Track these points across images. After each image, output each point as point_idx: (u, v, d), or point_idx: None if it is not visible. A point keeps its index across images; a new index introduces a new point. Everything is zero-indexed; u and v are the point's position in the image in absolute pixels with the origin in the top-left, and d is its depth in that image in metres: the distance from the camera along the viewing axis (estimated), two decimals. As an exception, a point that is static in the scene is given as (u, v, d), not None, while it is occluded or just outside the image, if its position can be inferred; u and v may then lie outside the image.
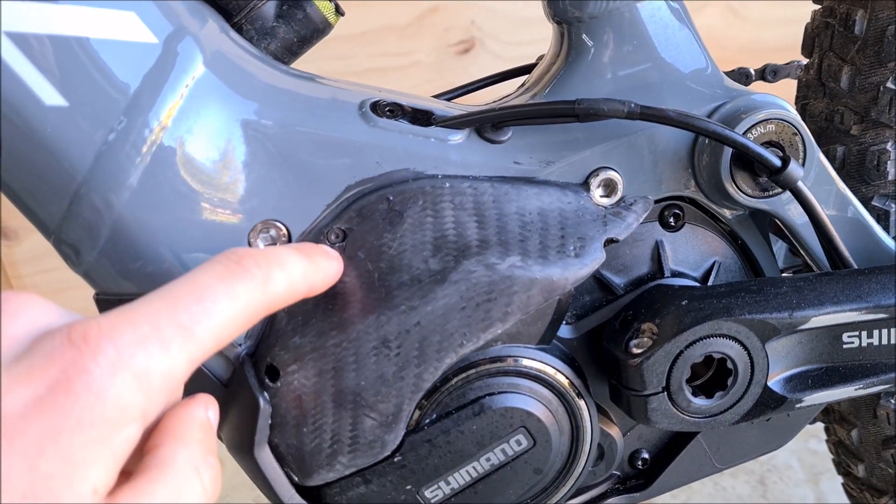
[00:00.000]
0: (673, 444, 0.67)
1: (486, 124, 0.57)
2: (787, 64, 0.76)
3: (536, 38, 1.43)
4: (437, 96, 0.68)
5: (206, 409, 0.43)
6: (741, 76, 0.75)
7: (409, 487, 0.56)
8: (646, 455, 0.67)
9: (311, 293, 0.48)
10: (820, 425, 0.88)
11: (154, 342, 0.37)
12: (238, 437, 0.55)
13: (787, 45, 0.73)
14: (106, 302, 0.53)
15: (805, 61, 0.72)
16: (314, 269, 0.48)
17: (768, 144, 0.57)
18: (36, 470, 0.33)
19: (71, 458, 0.34)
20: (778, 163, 0.55)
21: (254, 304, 0.42)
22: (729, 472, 1.45)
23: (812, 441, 1.49)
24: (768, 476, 1.45)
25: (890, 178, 0.64)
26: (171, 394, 0.39)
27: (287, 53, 0.59)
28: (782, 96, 0.60)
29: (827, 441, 0.84)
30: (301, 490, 0.57)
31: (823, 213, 0.57)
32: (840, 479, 0.89)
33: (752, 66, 0.75)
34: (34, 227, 1.60)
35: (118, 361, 0.36)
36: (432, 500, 0.57)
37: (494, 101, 0.63)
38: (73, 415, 0.34)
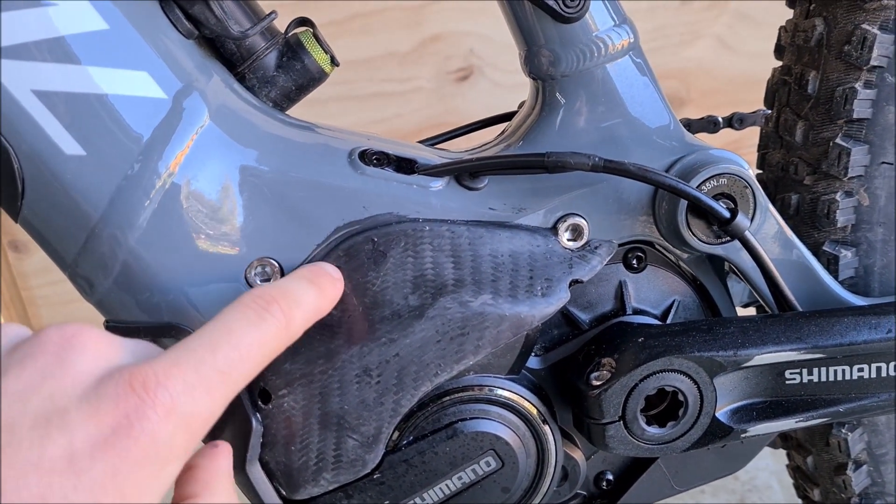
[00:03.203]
0: (635, 467, 0.70)
1: (465, 173, 0.61)
2: (753, 112, 0.81)
3: (532, 67, 1.47)
4: (423, 141, 0.73)
5: (230, 458, 0.49)
6: (709, 123, 0.80)
7: (387, 503, 0.61)
8: (610, 476, 0.71)
9: (321, 316, 0.54)
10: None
11: (200, 389, 0.42)
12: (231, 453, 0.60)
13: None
14: (115, 329, 0.58)
15: (769, 111, 0.77)
16: (324, 299, 0.54)
17: (721, 196, 0.62)
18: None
19: (127, 493, 0.39)
20: (727, 214, 0.60)
21: (278, 344, 0.48)
22: (710, 492, 1.49)
23: (792, 462, 1.53)
24: (749, 496, 1.48)
25: (839, 225, 0.69)
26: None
27: (285, 100, 0.64)
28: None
29: (787, 466, 0.89)
30: (288, 503, 0.61)
31: (769, 261, 0.62)
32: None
33: (740, 96, 0.79)
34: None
35: (172, 408, 0.40)
36: (408, 515, 0.61)
37: (474, 149, 0.68)
38: (132, 455, 0.39)
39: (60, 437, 0.38)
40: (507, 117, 0.75)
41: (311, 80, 0.63)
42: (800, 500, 1.44)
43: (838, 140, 0.67)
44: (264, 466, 0.60)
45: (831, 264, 0.70)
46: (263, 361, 0.47)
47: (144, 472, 0.40)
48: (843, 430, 0.75)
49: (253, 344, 0.46)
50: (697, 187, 0.61)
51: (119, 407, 0.39)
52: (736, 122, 0.80)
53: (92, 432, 0.39)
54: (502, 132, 0.70)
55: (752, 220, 0.63)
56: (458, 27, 1.52)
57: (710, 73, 1.58)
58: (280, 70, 0.62)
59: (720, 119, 0.79)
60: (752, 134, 0.81)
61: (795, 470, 0.85)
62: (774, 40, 0.76)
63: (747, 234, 0.60)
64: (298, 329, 0.50)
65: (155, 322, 0.57)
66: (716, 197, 0.62)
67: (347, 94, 1.54)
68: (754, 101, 0.82)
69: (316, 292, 0.53)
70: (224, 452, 0.49)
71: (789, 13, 0.74)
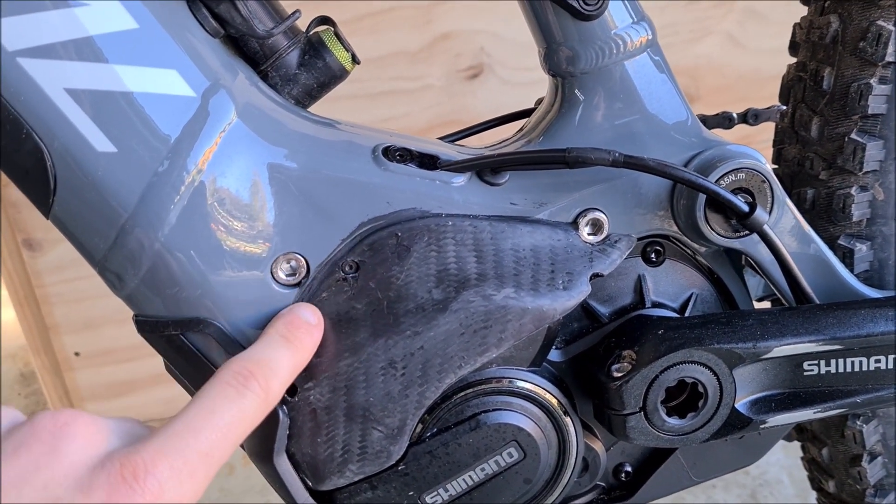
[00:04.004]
0: (653, 459, 0.72)
1: (486, 169, 0.62)
2: (767, 108, 0.82)
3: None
4: (443, 137, 0.74)
5: None
6: (724, 119, 0.80)
7: (411, 493, 0.61)
8: (628, 468, 0.72)
9: (300, 371, 0.57)
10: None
11: (185, 473, 0.45)
12: (259, 445, 0.60)
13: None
14: (144, 322, 0.59)
15: (784, 107, 0.77)
16: (301, 354, 0.56)
17: (739, 190, 0.63)
18: None
19: None
20: (745, 208, 0.61)
21: (259, 416, 0.51)
22: (721, 486, 1.50)
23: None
24: (759, 490, 1.49)
25: (854, 219, 0.70)
26: None
27: (307, 98, 0.64)
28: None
29: (802, 458, 0.90)
30: (314, 494, 0.62)
31: (787, 254, 0.63)
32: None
33: (751, 94, 0.80)
34: (57, 239, 1.69)
35: (160, 495, 0.43)
36: (432, 506, 0.62)
37: (494, 144, 0.69)
38: None
39: None
40: (525, 114, 0.76)
41: (333, 77, 0.64)
42: (811, 495, 1.45)
43: (853, 135, 0.68)
44: (291, 458, 0.61)
45: (846, 258, 0.70)
46: (244, 435, 0.50)
47: None
48: (859, 422, 0.76)
49: (233, 422, 0.49)
50: (716, 182, 0.62)
51: (111, 497, 0.42)
52: (751, 117, 0.80)
53: None
54: (521, 129, 0.71)
55: (769, 213, 0.64)
56: (468, 25, 1.53)
57: (719, 70, 1.58)
58: (302, 68, 0.63)
59: (735, 115, 0.80)
60: (762, 130, 0.81)
61: (810, 462, 0.86)
62: (783, 37, 0.77)
63: (766, 227, 0.61)
64: (277, 397, 0.53)
65: (183, 316, 0.58)
66: (734, 191, 0.63)
67: (358, 92, 1.55)
68: (764, 98, 0.82)
69: (292, 352, 0.55)
70: None
71: (798, 8, 0.75)
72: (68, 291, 1.63)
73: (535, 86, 0.76)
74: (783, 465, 1.54)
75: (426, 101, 1.58)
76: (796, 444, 1.56)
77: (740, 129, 0.86)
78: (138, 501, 0.42)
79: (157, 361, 1.89)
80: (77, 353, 1.69)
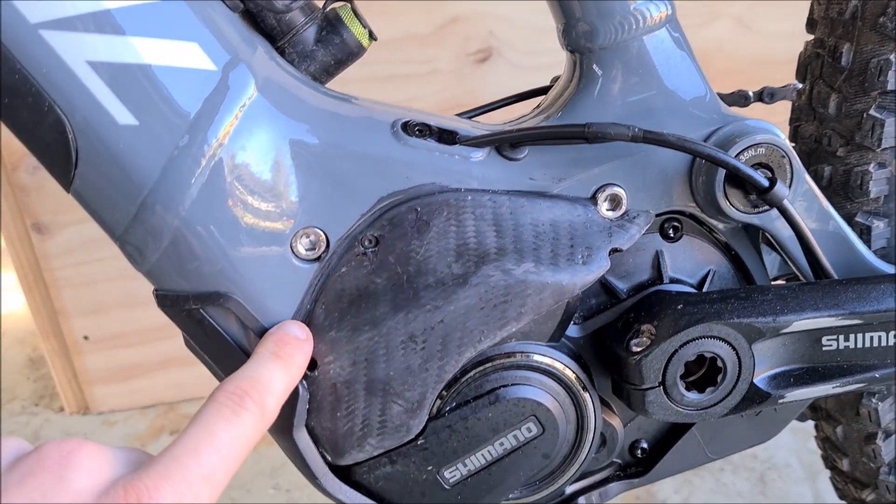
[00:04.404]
0: (670, 435, 0.72)
1: (505, 144, 0.62)
2: (783, 87, 0.81)
3: (551, 48, 1.47)
4: (460, 114, 0.74)
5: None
6: (740, 98, 0.80)
7: (430, 468, 0.62)
8: (645, 445, 0.73)
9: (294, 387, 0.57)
10: (816, 425, 0.94)
11: (188, 497, 0.46)
12: (278, 420, 0.59)
13: (795, 58, 0.78)
14: (164, 296, 0.59)
15: (800, 85, 0.77)
16: (294, 370, 0.57)
17: (759, 166, 0.63)
18: None
19: None
20: (766, 183, 0.61)
21: (257, 433, 0.52)
22: (730, 469, 1.50)
23: (811, 441, 1.53)
24: (768, 474, 1.49)
25: (872, 196, 0.70)
26: None
27: (324, 74, 0.64)
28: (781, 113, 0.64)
29: (815, 437, 0.90)
30: (333, 469, 0.62)
31: (807, 229, 0.63)
32: (836, 476, 0.94)
33: (762, 78, 0.80)
34: (65, 223, 1.70)
35: None
36: (451, 480, 0.62)
37: (512, 121, 0.69)
38: None
39: None
40: (541, 91, 0.75)
41: (350, 54, 0.64)
42: (820, 479, 1.46)
43: (872, 111, 0.68)
44: (310, 432, 0.61)
45: (863, 235, 0.71)
46: (245, 453, 0.50)
47: None
48: (874, 400, 0.76)
49: (233, 442, 0.49)
50: (735, 157, 0.62)
51: None
52: (766, 96, 0.80)
53: None
54: (538, 106, 0.71)
55: (789, 188, 0.64)
56: (478, 9, 1.52)
57: (729, 53, 1.58)
58: (319, 44, 0.63)
59: (751, 93, 0.80)
60: (775, 109, 0.81)
61: (824, 441, 0.86)
62: (794, 20, 0.77)
63: (786, 202, 0.61)
64: (273, 414, 0.54)
65: (203, 290, 0.58)
66: (753, 167, 0.62)
67: (367, 75, 1.54)
68: (774, 82, 0.82)
69: (284, 369, 0.56)
70: None
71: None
72: (77, 275, 1.63)
73: (544, 70, 0.76)
74: (792, 448, 1.54)
75: (435, 86, 1.58)
76: (805, 429, 1.57)
77: (752, 111, 0.86)
78: None
79: (166, 345, 1.91)
80: (86, 337, 1.70)
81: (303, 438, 0.61)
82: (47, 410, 1.80)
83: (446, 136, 0.62)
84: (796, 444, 1.55)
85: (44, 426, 1.74)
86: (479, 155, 0.62)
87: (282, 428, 0.60)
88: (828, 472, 0.93)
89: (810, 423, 0.93)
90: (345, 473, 0.63)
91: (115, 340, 1.70)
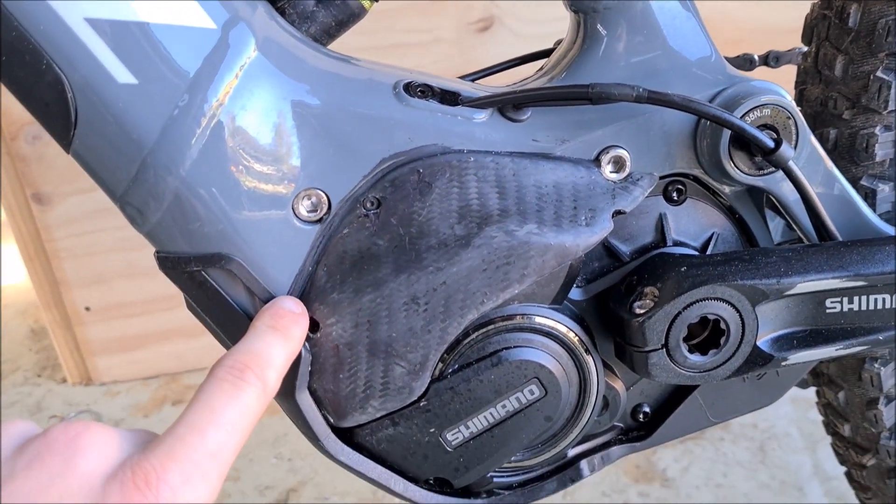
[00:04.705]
0: (671, 399, 0.72)
1: (508, 105, 0.62)
2: (788, 51, 0.81)
3: (552, 16, 1.47)
4: (462, 77, 0.74)
5: None
6: (745, 61, 0.79)
7: (432, 430, 0.62)
8: (647, 409, 0.73)
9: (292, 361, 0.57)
10: (816, 393, 0.94)
11: (197, 476, 0.46)
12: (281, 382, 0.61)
13: (799, 26, 0.77)
14: (165, 259, 0.59)
15: (806, 48, 0.77)
16: (292, 344, 0.56)
17: (764, 127, 0.62)
18: None
19: None
20: (771, 144, 0.60)
21: (260, 407, 0.51)
22: (730, 439, 1.51)
23: (811, 411, 1.54)
24: (768, 443, 1.50)
25: (877, 159, 0.69)
26: None
27: (325, 36, 0.64)
28: (785, 80, 0.64)
29: (817, 403, 0.90)
30: (336, 430, 0.62)
31: (812, 191, 0.62)
32: (837, 445, 0.95)
33: (766, 46, 0.80)
34: (66, 193, 1.69)
35: (173, 499, 0.44)
36: (453, 442, 0.62)
37: (515, 83, 0.68)
38: None
39: None
40: (544, 54, 0.75)
41: (351, 15, 0.63)
42: (819, 448, 1.46)
43: (879, 73, 0.67)
44: (312, 394, 0.61)
45: (868, 198, 0.70)
46: (250, 428, 0.50)
47: None
48: (876, 365, 0.76)
49: (236, 417, 0.49)
50: (740, 118, 0.61)
51: None
52: (772, 60, 0.79)
53: None
54: (541, 67, 0.70)
55: (795, 149, 0.63)
56: (479, -23, 1.52)
57: (733, 22, 1.57)
58: (320, 5, 0.62)
59: (756, 56, 0.79)
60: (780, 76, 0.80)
61: (826, 406, 0.86)
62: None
63: (791, 163, 0.61)
64: (275, 387, 0.53)
65: (205, 252, 0.58)
66: (758, 128, 0.62)
67: (368, 44, 1.53)
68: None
69: (283, 341, 0.55)
70: None
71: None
72: (78, 246, 1.63)
73: (545, 38, 0.76)
74: (792, 418, 1.55)
75: (436, 54, 1.57)
76: (805, 399, 1.58)
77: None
78: None
79: (167, 316, 1.91)
80: (88, 308, 1.70)
81: (305, 400, 0.61)
82: (50, 381, 1.80)
83: (448, 98, 0.62)
84: (796, 413, 1.55)
85: (46, 397, 1.75)
86: (481, 116, 0.62)
87: (284, 390, 0.60)
88: (827, 442, 0.93)
89: (810, 393, 0.94)
90: (347, 435, 0.63)
91: (117, 311, 1.71)
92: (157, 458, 0.45)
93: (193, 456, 0.46)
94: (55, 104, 0.53)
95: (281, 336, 0.55)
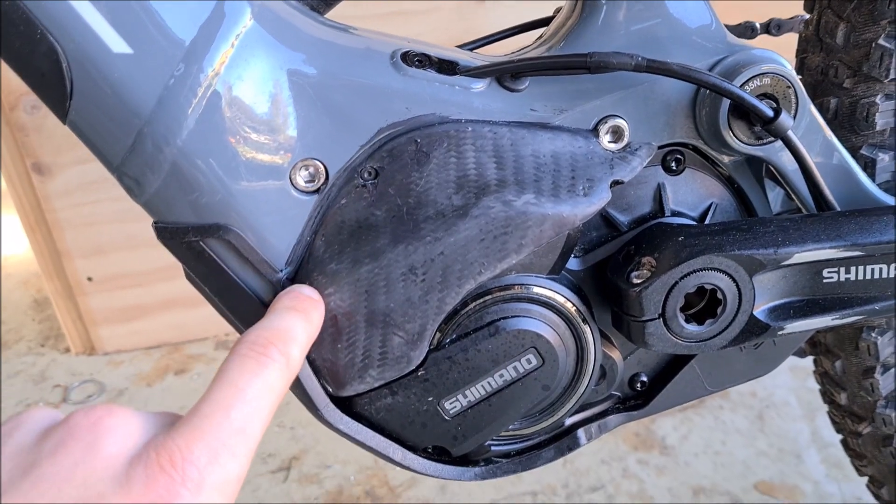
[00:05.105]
0: (669, 369, 0.72)
1: (506, 74, 0.61)
2: (790, 18, 0.80)
3: (554, -16, 1.45)
4: (461, 46, 0.73)
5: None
6: (747, 29, 0.79)
7: (430, 399, 0.62)
8: (644, 378, 0.73)
9: (312, 341, 0.57)
10: (813, 362, 0.94)
11: (224, 454, 0.45)
12: None
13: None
14: (163, 229, 0.58)
15: (807, 16, 0.76)
16: (312, 325, 0.56)
17: (763, 96, 0.62)
18: None
19: None
20: (770, 113, 0.60)
21: (284, 385, 0.51)
22: (728, 407, 1.52)
23: (809, 379, 1.55)
24: (766, 412, 1.51)
25: (878, 128, 0.69)
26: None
27: (322, 4, 0.63)
28: (786, 49, 0.64)
29: (814, 372, 0.90)
30: (334, 400, 0.62)
31: (811, 161, 0.62)
32: (833, 414, 0.95)
33: (770, 15, 0.79)
34: (65, 163, 1.69)
35: (201, 482, 0.43)
36: (451, 411, 0.63)
37: (513, 52, 0.68)
38: None
39: None
40: (543, 23, 0.74)
41: (349, -17, 0.63)
42: (817, 416, 1.47)
43: (881, 41, 0.67)
44: (311, 364, 0.61)
45: (868, 168, 0.70)
46: (275, 405, 0.49)
47: None
48: (873, 334, 0.76)
49: (261, 393, 0.48)
50: (740, 87, 0.61)
51: (151, 488, 0.42)
52: (773, 27, 0.78)
53: None
54: (540, 36, 0.70)
55: (794, 118, 0.63)
56: (479, -57, 1.50)
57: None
58: (317, -27, 0.62)
59: (757, 25, 0.78)
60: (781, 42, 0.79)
61: (822, 375, 0.87)
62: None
63: (790, 133, 0.60)
64: (298, 364, 0.52)
65: (202, 222, 0.58)
66: (758, 97, 0.62)
67: (368, 13, 1.53)
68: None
69: (304, 321, 0.55)
70: None
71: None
72: (78, 216, 1.64)
73: (545, 9, 0.75)
74: (790, 387, 1.56)
75: (436, 23, 1.56)
76: (803, 368, 1.58)
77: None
78: (180, 491, 0.42)
79: (168, 287, 1.91)
80: (90, 279, 1.70)
81: (304, 370, 0.61)
82: (53, 351, 1.81)
83: (446, 67, 0.62)
84: (794, 382, 1.56)
85: (50, 366, 1.76)
86: (479, 86, 0.61)
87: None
88: (825, 410, 0.93)
89: (808, 363, 0.94)
90: (346, 405, 0.63)
91: (119, 281, 1.71)
92: (181, 438, 0.44)
93: (219, 434, 0.45)
94: (50, 74, 0.52)
95: (302, 316, 0.55)
